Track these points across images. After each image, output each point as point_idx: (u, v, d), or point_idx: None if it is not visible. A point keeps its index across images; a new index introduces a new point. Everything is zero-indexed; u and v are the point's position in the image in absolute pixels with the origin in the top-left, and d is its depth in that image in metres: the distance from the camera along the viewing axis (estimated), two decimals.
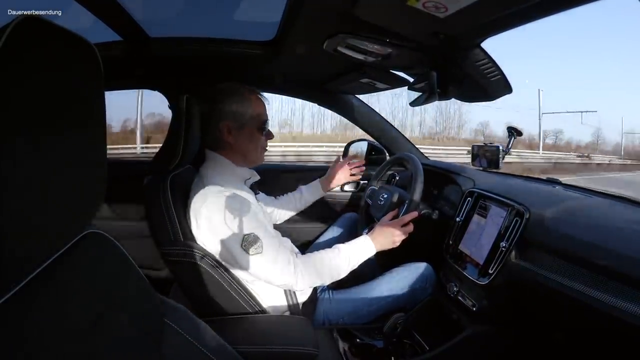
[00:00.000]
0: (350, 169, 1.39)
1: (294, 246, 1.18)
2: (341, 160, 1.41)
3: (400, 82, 1.29)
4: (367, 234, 1.02)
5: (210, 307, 0.91)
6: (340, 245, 0.98)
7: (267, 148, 1.07)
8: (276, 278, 0.90)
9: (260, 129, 1.01)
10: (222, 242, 0.87)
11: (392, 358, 0.95)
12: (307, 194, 1.36)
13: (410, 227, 1.04)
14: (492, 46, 0.87)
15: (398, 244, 1.02)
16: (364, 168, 1.42)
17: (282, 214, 1.34)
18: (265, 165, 1.22)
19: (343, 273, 0.96)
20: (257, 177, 1.07)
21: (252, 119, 0.99)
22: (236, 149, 0.99)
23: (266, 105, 1.04)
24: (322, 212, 1.63)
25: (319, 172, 1.55)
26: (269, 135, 1.05)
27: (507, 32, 0.77)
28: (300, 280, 0.91)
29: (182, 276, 0.93)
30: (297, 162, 9.80)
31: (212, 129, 0.98)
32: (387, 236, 1.01)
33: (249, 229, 0.87)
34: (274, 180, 1.43)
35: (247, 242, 0.86)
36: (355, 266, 0.98)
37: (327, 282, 0.96)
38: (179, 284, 0.99)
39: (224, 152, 0.99)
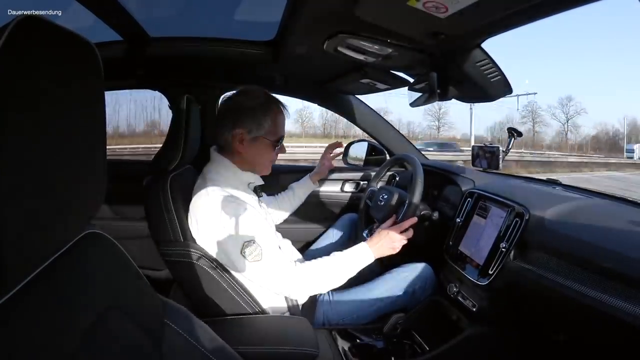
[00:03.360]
0: (331, 154, 1.39)
1: (294, 249, 1.18)
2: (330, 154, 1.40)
3: (401, 83, 1.29)
4: (367, 235, 1.01)
5: (210, 308, 0.91)
6: (339, 253, 0.98)
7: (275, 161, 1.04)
8: (274, 285, 0.90)
9: (274, 144, 0.98)
10: (222, 246, 0.87)
11: (392, 358, 0.94)
12: (298, 190, 1.37)
13: (410, 233, 1.04)
14: (492, 46, 0.87)
15: (398, 249, 1.02)
16: (339, 151, 1.43)
17: (280, 215, 1.35)
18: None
19: (341, 281, 0.96)
20: (261, 182, 1.05)
21: (268, 133, 0.95)
22: (245, 157, 0.97)
23: (286, 119, 1.00)
24: (322, 213, 1.62)
25: None
26: (281, 150, 1.02)
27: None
28: (298, 288, 0.91)
29: (182, 276, 0.93)
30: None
31: (225, 132, 0.94)
32: (387, 242, 1.00)
33: (250, 235, 0.86)
34: (274, 182, 1.44)
35: (247, 248, 0.85)
36: (354, 274, 0.97)
37: (326, 289, 0.96)
38: (178, 284, 0.99)
39: (230, 156, 0.97)
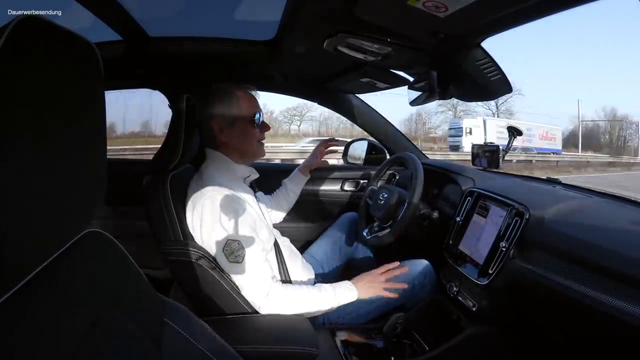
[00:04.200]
0: (325, 149, 1.39)
1: (293, 247, 1.17)
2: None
3: (401, 82, 1.29)
4: (367, 235, 1.01)
5: (210, 307, 0.91)
6: (322, 286, 0.97)
7: (263, 141, 1.07)
8: (245, 292, 0.90)
9: (251, 122, 1.01)
10: (209, 241, 0.89)
11: (392, 358, 0.95)
12: (290, 185, 1.37)
13: (399, 278, 1.03)
14: (492, 45, 0.87)
15: (385, 292, 1.00)
16: (336, 149, 1.42)
17: (279, 213, 1.35)
18: (264, 165, 1.22)
19: (316, 313, 0.96)
20: (257, 175, 1.08)
21: (240, 113, 1.00)
22: (231, 146, 1.00)
23: (257, 99, 1.04)
24: (322, 212, 1.62)
25: (316, 170, 1.54)
26: (264, 127, 1.06)
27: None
28: (268, 306, 0.90)
29: (182, 276, 0.93)
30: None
31: (206, 130, 0.99)
32: (372, 282, 1.00)
33: (235, 236, 0.88)
34: (272, 181, 1.44)
35: (230, 248, 0.87)
36: (332, 310, 0.97)
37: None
38: (179, 284, 0.99)
39: (221, 150, 1.00)
